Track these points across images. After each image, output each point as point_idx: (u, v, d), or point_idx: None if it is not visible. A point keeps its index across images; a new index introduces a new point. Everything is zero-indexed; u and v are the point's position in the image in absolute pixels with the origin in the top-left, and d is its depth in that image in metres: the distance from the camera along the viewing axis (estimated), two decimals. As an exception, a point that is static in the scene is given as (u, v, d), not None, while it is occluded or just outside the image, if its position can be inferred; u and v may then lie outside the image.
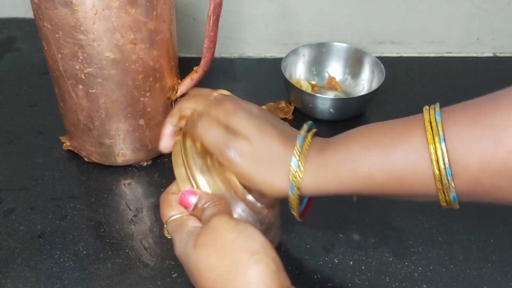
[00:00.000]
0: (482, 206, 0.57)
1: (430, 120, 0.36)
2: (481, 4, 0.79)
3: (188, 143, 0.43)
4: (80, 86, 0.53)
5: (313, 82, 0.75)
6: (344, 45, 0.75)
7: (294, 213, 0.42)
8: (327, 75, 0.76)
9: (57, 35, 0.49)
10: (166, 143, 0.46)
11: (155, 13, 0.51)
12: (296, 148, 0.40)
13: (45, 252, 0.51)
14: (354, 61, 0.74)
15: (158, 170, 0.61)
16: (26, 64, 0.78)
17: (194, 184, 0.41)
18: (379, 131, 0.40)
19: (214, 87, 0.75)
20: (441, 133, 0.35)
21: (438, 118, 0.36)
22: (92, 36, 0.49)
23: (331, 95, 0.73)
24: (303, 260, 0.51)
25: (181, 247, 0.39)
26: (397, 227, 0.55)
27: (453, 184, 0.36)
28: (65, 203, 0.56)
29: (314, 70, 0.76)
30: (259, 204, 0.43)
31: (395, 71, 0.77)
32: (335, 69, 0.76)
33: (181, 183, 0.42)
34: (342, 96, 0.73)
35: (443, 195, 0.37)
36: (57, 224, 0.54)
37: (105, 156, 0.59)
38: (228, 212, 0.39)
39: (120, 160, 0.60)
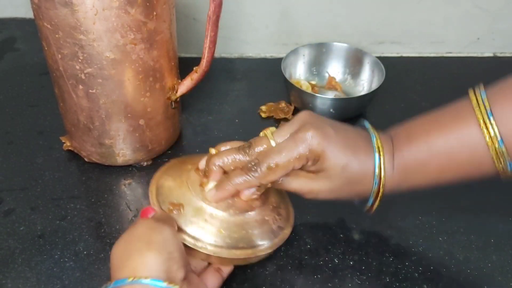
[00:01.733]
0: (482, 206, 0.58)
1: (476, 100, 0.42)
2: (481, 4, 0.79)
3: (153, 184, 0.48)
4: (80, 86, 0.53)
5: (313, 82, 0.75)
6: (344, 45, 0.75)
7: (374, 205, 0.48)
8: (327, 75, 0.76)
9: (57, 35, 0.49)
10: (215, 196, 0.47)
11: (155, 13, 0.51)
12: (375, 148, 0.45)
13: (45, 252, 0.51)
14: (354, 61, 0.74)
15: (158, 170, 0.61)
16: (26, 64, 0.78)
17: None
18: (436, 117, 0.46)
19: (214, 87, 0.75)
20: (488, 110, 0.41)
21: (484, 97, 0.42)
22: (92, 36, 0.49)
23: (331, 95, 0.73)
24: (303, 260, 0.51)
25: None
26: (397, 227, 0.55)
27: (506, 153, 0.41)
28: (65, 203, 0.56)
29: (314, 70, 0.76)
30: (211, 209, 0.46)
31: (395, 71, 0.76)
32: (335, 69, 0.76)
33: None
34: (342, 96, 0.73)
35: (500, 164, 0.42)
36: (57, 224, 0.54)
37: (105, 156, 0.59)
38: (166, 220, 0.43)
39: (120, 160, 0.60)
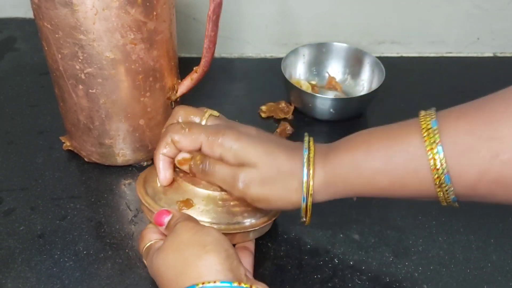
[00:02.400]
0: (482, 206, 0.57)
1: (427, 127, 0.38)
2: (481, 4, 0.79)
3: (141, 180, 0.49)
4: (80, 86, 0.53)
5: (313, 82, 0.75)
6: (344, 45, 0.75)
7: (306, 219, 0.44)
8: (327, 75, 0.76)
9: (57, 35, 0.49)
10: (166, 176, 0.47)
11: (155, 13, 0.51)
12: (305, 159, 0.42)
13: (45, 252, 0.51)
14: (354, 61, 0.74)
15: (158, 170, 0.61)
16: (26, 64, 0.78)
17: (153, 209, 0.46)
18: (378, 136, 0.41)
19: (214, 87, 0.75)
20: (438, 141, 0.37)
21: (435, 126, 0.38)
22: (92, 36, 0.49)
23: (331, 95, 0.73)
24: (303, 260, 0.51)
25: (149, 264, 0.42)
26: (397, 227, 0.55)
27: (452, 189, 0.38)
28: (65, 203, 0.56)
29: (314, 70, 0.76)
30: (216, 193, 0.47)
31: (395, 71, 0.76)
32: (335, 69, 0.76)
33: (148, 216, 0.47)
34: (342, 96, 0.73)
35: (443, 198, 0.39)
36: (57, 224, 0.54)
37: (105, 156, 0.59)
38: (193, 219, 0.42)
39: (120, 160, 0.60)
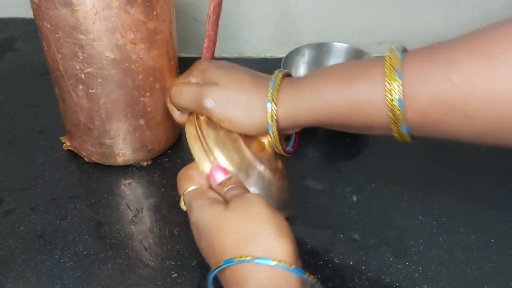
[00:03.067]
0: (482, 206, 0.58)
1: (391, 57, 0.38)
2: (481, 4, 0.79)
3: (202, 118, 0.46)
4: (80, 86, 0.53)
5: None
6: (344, 45, 0.75)
7: (279, 148, 0.46)
8: None
9: (57, 35, 0.49)
10: (180, 115, 0.51)
11: (155, 13, 0.51)
12: (269, 88, 0.43)
13: (46, 252, 0.51)
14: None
15: (158, 170, 0.61)
16: (26, 64, 0.78)
17: (212, 155, 0.44)
18: (344, 66, 0.43)
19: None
20: (398, 68, 0.37)
21: (399, 56, 0.38)
22: (92, 36, 0.49)
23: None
24: (303, 260, 0.51)
25: (201, 212, 0.40)
26: (397, 227, 0.55)
27: (403, 115, 0.37)
28: (65, 203, 0.56)
29: (314, 70, 0.76)
30: (267, 172, 0.46)
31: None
32: None
33: (197, 157, 0.44)
34: None
35: (396, 126, 0.38)
36: (58, 224, 0.54)
37: (105, 156, 0.59)
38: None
39: (120, 160, 0.60)
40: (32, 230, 0.53)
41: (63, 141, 0.62)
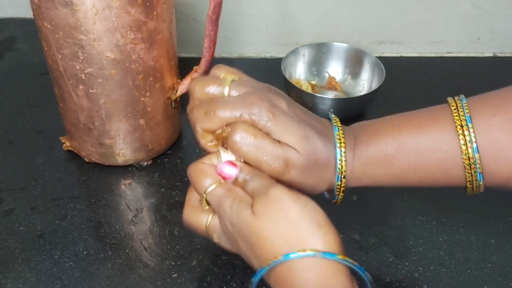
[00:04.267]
0: (482, 206, 0.58)
1: (461, 123, 0.38)
2: (481, 4, 0.79)
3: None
4: (81, 86, 0.53)
5: (313, 82, 0.75)
6: (344, 45, 0.75)
7: (338, 199, 0.44)
8: (327, 75, 0.76)
9: (57, 35, 0.49)
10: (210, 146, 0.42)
11: (155, 12, 0.51)
12: (336, 139, 0.41)
13: (45, 252, 0.51)
14: (354, 61, 0.74)
15: (158, 170, 0.61)
16: (26, 64, 0.78)
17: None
18: (408, 128, 0.41)
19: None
20: (474, 140, 0.38)
21: (470, 124, 0.38)
22: (92, 36, 0.49)
23: (331, 95, 0.73)
24: (303, 260, 0.51)
25: (232, 213, 0.37)
26: (397, 227, 0.55)
27: (483, 186, 0.38)
28: (65, 203, 0.56)
29: (314, 70, 0.76)
30: None
31: (395, 71, 0.76)
32: (335, 69, 0.76)
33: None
34: (342, 96, 0.73)
35: (471, 190, 0.39)
36: (57, 224, 0.54)
37: (105, 156, 0.59)
38: (280, 184, 0.38)
39: (120, 160, 0.60)
40: (32, 230, 0.53)
41: (63, 141, 0.62)
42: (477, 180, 0.38)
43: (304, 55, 0.75)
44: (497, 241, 0.53)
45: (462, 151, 0.38)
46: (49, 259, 0.50)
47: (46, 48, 0.52)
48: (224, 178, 0.40)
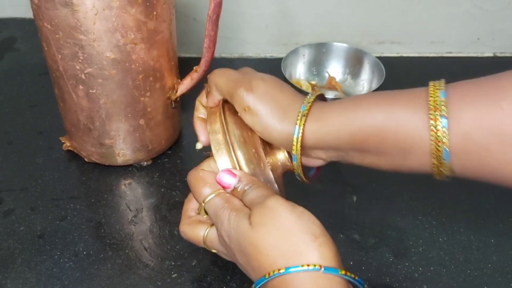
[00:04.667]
0: (482, 206, 0.58)
1: (434, 83, 0.38)
2: (481, 4, 0.79)
3: (228, 113, 0.44)
4: (81, 87, 0.53)
5: (313, 82, 0.75)
6: (344, 45, 0.75)
7: (300, 174, 0.43)
8: (327, 75, 0.76)
9: (57, 36, 0.49)
10: (205, 136, 0.47)
11: (155, 13, 0.51)
12: (299, 110, 0.40)
13: (45, 252, 0.51)
14: (354, 61, 0.74)
15: (158, 170, 0.61)
16: (26, 64, 0.78)
17: (232, 151, 0.41)
18: (384, 92, 0.41)
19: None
20: (443, 89, 0.37)
21: (443, 97, 0.36)
22: (92, 36, 0.49)
23: (331, 95, 0.73)
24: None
25: (229, 224, 0.38)
26: (397, 227, 0.55)
27: (446, 136, 0.35)
28: (65, 204, 0.56)
29: (314, 70, 0.76)
30: (275, 187, 0.43)
31: (395, 71, 0.76)
32: (335, 69, 0.76)
33: (217, 148, 0.42)
34: (342, 96, 0.73)
35: (436, 151, 0.36)
36: (57, 224, 0.54)
37: (105, 156, 0.59)
38: (277, 194, 0.38)
39: (120, 160, 0.60)
40: (32, 230, 0.53)
41: (63, 141, 0.62)
42: (442, 128, 0.35)
43: (304, 55, 0.75)
44: (497, 241, 0.53)
45: (429, 120, 0.36)
46: (49, 259, 0.50)
47: (46, 48, 0.52)
48: (223, 187, 0.40)
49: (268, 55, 0.83)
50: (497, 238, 0.54)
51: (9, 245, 0.52)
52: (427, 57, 0.84)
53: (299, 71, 0.76)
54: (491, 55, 0.85)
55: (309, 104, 0.41)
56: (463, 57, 0.84)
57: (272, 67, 0.79)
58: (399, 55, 0.84)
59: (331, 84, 0.75)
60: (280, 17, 0.79)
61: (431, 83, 0.38)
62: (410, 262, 0.51)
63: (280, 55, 0.82)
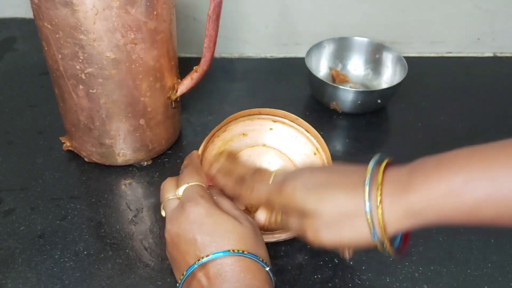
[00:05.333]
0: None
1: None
2: (481, 4, 0.79)
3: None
4: (81, 86, 0.53)
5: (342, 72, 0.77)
6: (365, 39, 0.76)
7: (390, 252, 0.40)
8: (348, 68, 0.78)
9: (57, 35, 0.49)
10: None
11: (155, 12, 0.51)
12: (366, 193, 0.37)
13: (46, 252, 0.51)
14: (375, 56, 0.76)
15: (159, 170, 0.61)
16: (26, 64, 0.78)
17: None
18: (479, 157, 0.35)
19: (214, 87, 0.75)
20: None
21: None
22: (92, 36, 0.49)
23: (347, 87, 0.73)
24: (303, 260, 0.51)
25: (173, 218, 0.43)
26: (398, 227, 0.55)
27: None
28: (65, 203, 0.56)
29: (337, 63, 0.78)
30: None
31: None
32: (355, 63, 0.78)
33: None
34: (356, 88, 0.75)
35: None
36: (58, 224, 0.54)
37: (106, 156, 0.59)
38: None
39: (120, 160, 0.60)
40: (32, 230, 0.53)
41: (63, 141, 0.62)
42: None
43: (325, 47, 0.76)
44: (497, 241, 0.53)
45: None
46: (50, 259, 0.50)
47: (46, 48, 0.52)
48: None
49: (268, 55, 0.83)
50: (497, 238, 0.54)
51: (10, 245, 0.52)
52: (427, 57, 0.84)
53: (321, 65, 0.77)
54: (491, 55, 0.85)
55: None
56: (463, 57, 0.84)
57: (272, 67, 0.79)
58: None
59: (340, 78, 0.75)
60: (280, 17, 0.79)
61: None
62: (411, 262, 0.51)
63: (280, 55, 0.82)
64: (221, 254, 0.39)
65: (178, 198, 0.44)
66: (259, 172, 0.46)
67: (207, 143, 0.53)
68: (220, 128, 0.55)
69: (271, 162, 0.57)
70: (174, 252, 0.41)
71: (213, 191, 0.47)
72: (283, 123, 0.56)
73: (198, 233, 0.40)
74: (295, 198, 0.41)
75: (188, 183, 0.44)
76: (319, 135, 0.54)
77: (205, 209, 0.41)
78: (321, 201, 0.39)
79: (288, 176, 0.43)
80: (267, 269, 0.40)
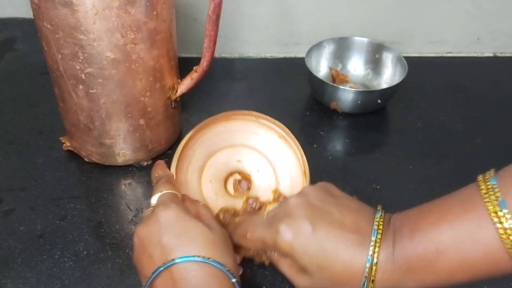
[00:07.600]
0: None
1: (486, 187, 0.36)
2: (481, 4, 0.79)
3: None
4: (81, 86, 0.53)
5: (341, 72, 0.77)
6: (365, 39, 0.76)
7: None
8: (348, 68, 0.77)
9: (57, 35, 0.49)
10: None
11: (155, 12, 0.51)
12: (367, 269, 0.39)
13: (45, 252, 0.51)
14: (375, 56, 0.76)
15: (158, 170, 0.61)
16: (26, 64, 0.78)
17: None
18: (439, 212, 0.39)
19: (214, 87, 0.75)
20: (500, 199, 0.34)
21: (494, 183, 0.36)
22: (92, 36, 0.49)
23: (347, 87, 0.73)
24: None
25: (143, 222, 0.43)
26: (397, 227, 0.54)
27: None
28: (65, 203, 0.56)
29: (337, 63, 0.77)
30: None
31: (395, 71, 0.76)
32: (355, 63, 0.77)
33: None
34: (355, 87, 0.74)
35: None
36: (57, 224, 0.54)
37: (105, 156, 0.59)
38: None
39: (120, 160, 0.60)
40: (32, 230, 0.53)
41: (63, 141, 0.62)
42: None
43: (325, 47, 0.76)
44: (497, 241, 0.53)
45: (503, 241, 0.34)
46: (49, 259, 0.50)
47: (46, 48, 0.52)
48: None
49: (268, 55, 0.83)
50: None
51: (9, 245, 0.52)
52: (427, 57, 0.84)
53: (321, 64, 0.77)
54: (491, 55, 0.85)
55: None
56: (463, 57, 0.84)
57: (272, 67, 0.79)
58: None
59: (339, 78, 0.75)
60: (280, 17, 0.79)
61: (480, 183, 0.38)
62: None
63: (280, 55, 0.82)
64: (186, 259, 0.38)
65: (153, 207, 0.44)
66: (250, 213, 0.50)
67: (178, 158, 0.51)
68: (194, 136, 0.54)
69: (240, 160, 0.57)
70: (141, 255, 0.41)
71: (188, 200, 0.47)
72: (244, 120, 0.58)
73: (165, 236, 0.40)
74: (293, 254, 0.41)
75: (161, 192, 0.45)
76: (279, 122, 0.55)
77: (175, 213, 0.41)
78: (317, 267, 0.41)
79: (281, 218, 0.43)
80: (233, 280, 0.39)
